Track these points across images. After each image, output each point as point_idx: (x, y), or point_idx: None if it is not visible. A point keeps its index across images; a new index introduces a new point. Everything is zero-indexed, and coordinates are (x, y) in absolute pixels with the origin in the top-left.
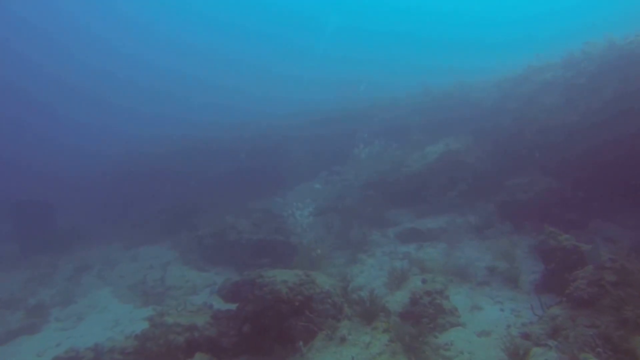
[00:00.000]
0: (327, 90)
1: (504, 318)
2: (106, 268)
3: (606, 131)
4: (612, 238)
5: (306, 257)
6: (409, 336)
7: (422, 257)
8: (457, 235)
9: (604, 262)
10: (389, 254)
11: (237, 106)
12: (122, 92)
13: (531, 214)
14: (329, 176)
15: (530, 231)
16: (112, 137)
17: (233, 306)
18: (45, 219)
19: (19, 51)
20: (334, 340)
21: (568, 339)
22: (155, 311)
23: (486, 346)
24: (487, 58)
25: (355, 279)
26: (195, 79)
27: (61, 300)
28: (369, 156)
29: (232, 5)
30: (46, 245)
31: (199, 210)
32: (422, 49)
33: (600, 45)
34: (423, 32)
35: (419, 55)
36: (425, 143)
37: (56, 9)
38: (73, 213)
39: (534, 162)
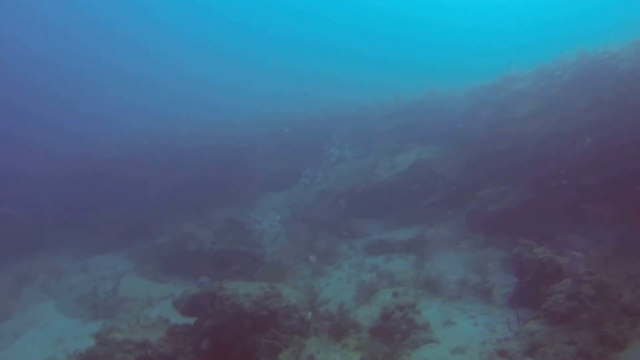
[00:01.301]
0: (293, 101)
1: (478, 333)
2: (52, 279)
3: (579, 142)
4: (581, 250)
5: (270, 268)
6: (382, 355)
7: (392, 270)
8: (428, 247)
9: (581, 276)
10: (356, 265)
11: (197, 113)
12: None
13: (503, 225)
14: (296, 185)
15: (502, 243)
16: (71, 138)
17: (191, 320)
18: None
19: None
20: (301, 359)
21: (547, 356)
22: (104, 326)
23: None
24: (458, 65)
25: (322, 292)
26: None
27: None
28: (337, 165)
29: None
30: None
31: (158, 218)
32: (393, 54)
33: (572, 57)
34: (395, 36)
35: (387, 61)
36: (396, 152)
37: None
38: (19, 216)
39: (506, 172)
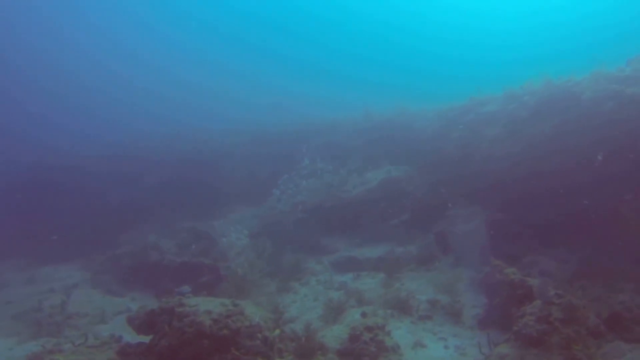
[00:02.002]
0: (264, 112)
1: (448, 356)
2: None
3: (546, 165)
4: (547, 271)
5: (234, 283)
6: None
7: (360, 288)
8: (397, 266)
9: (551, 298)
10: (324, 283)
11: (168, 116)
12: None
13: (471, 245)
14: (264, 198)
15: (471, 263)
16: (23, 144)
17: (147, 339)
18: None
19: None
20: None
21: None
22: (43, 347)
23: None
24: (428, 88)
25: (288, 310)
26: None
27: None
28: (306, 179)
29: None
30: None
31: (119, 227)
32: (364, 74)
33: (538, 84)
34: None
35: (359, 81)
36: (365, 169)
37: None
38: None
39: (475, 193)
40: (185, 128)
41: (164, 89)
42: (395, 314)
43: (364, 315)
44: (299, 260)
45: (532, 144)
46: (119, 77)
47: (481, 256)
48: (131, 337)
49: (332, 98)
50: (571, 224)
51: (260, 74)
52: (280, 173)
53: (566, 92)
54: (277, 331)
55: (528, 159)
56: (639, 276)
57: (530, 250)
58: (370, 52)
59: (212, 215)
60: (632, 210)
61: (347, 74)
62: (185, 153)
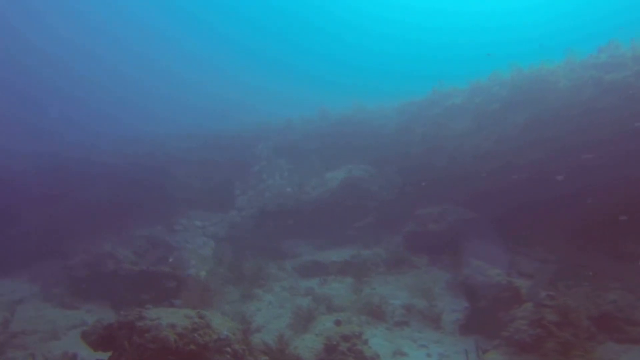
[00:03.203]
0: (206, 115)
1: None
2: None
3: (520, 159)
4: (526, 272)
5: (195, 292)
6: None
7: (328, 293)
8: (365, 270)
9: (542, 300)
10: (288, 289)
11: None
12: None
13: (444, 246)
14: (220, 203)
15: (445, 264)
16: None
17: (105, 356)
18: None
19: None
20: None
21: None
22: None
23: None
24: (384, 86)
25: (253, 318)
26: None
27: None
28: (263, 182)
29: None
30: None
31: (70, 236)
32: (320, 72)
33: (506, 74)
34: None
35: (312, 78)
36: (324, 169)
37: None
38: None
39: (443, 190)
40: (132, 131)
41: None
42: (368, 321)
43: (338, 323)
44: (260, 266)
45: (504, 136)
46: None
47: (456, 257)
48: (87, 353)
49: (286, 94)
50: (548, 221)
51: (214, 63)
52: (236, 177)
53: (540, 81)
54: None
55: (500, 153)
56: (625, 274)
57: (509, 250)
58: (326, 50)
59: (168, 222)
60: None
61: (302, 70)
62: (137, 158)
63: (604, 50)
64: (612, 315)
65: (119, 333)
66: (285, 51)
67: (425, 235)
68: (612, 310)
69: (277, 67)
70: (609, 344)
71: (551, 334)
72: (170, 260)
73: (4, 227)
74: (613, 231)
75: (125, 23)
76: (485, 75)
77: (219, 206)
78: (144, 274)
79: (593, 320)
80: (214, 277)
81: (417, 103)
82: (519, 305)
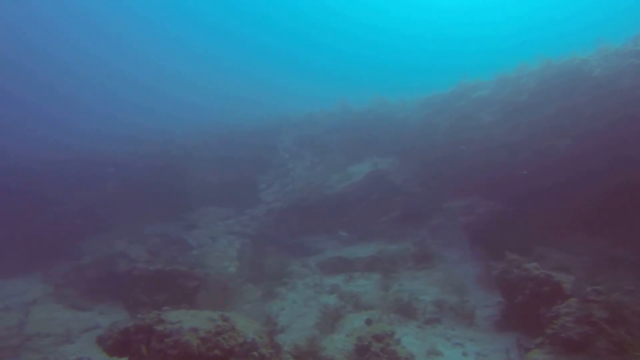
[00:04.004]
0: (234, 108)
1: None
2: None
3: (551, 150)
4: (561, 265)
5: (216, 291)
6: None
7: (355, 291)
8: (392, 265)
9: (587, 294)
10: (313, 286)
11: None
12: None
13: (474, 239)
14: (240, 198)
15: (476, 258)
16: None
17: None
18: None
19: None
20: None
21: None
22: None
23: None
24: (403, 80)
25: (277, 318)
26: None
27: None
28: (285, 176)
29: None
30: None
31: (81, 235)
32: (339, 68)
33: (534, 65)
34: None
35: (332, 74)
36: (347, 163)
37: None
38: None
39: (471, 183)
40: (146, 129)
41: (124, 90)
42: (399, 319)
43: (369, 322)
44: (282, 262)
45: (535, 127)
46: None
47: (487, 251)
48: (101, 358)
49: (304, 91)
50: (582, 213)
51: (232, 63)
52: (255, 172)
53: (573, 71)
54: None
55: (531, 145)
56: None
57: (540, 243)
58: (344, 45)
59: (184, 219)
60: None
61: (320, 67)
62: (150, 155)
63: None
64: None
65: (136, 338)
66: (297, 48)
67: (455, 228)
68: None
69: (289, 64)
70: None
71: (602, 331)
72: (188, 257)
73: (17, 226)
74: None
75: (136, 27)
76: (498, 69)
77: (237, 202)
78: (160, 273)
79: None
80: (233, 275)
81: (441, 96)
82: (562, 301)
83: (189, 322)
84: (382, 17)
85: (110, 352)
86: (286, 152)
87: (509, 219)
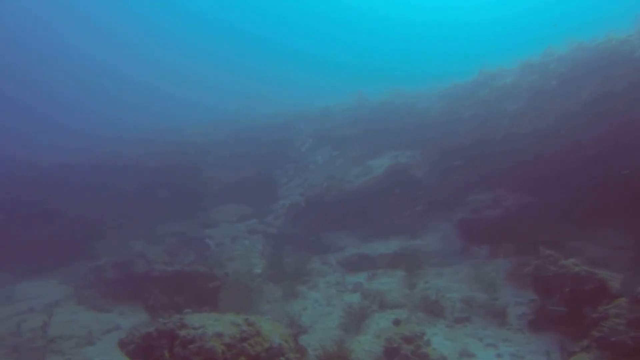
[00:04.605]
0: (248, 104)
1: None
2: None
3: (585, 139)
4: (598, 259)
5: (237, 292)
6: None
7: (379, 289)
8: (416, 261)
9: (637, 294)
10: (335, 285)
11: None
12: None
13: (501, 233)
14: (255, 195)
15: (504, 254)
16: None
17: None
18: None
19: None
20: None
21: None
22: None
23: None
24: (418, 71)
25: (299, 319)
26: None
27: None
28: (303, 171)
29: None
30: None
31: (99, 235)
32: (353, 61)
33: (562, 49)
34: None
35: (346, 67)
36: (366, 157)
37: None
38: None
39: (495, 175)
40: (158, 130)
41: (141, 78)
42: (426, 318)
43: (396, 322)
44: (302, 260)
45: (566, 114)
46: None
47: (516, 246)
48: None
49: (317, 86)
50: (619, 205)
51: (242, 60)
52: (272, 168)
53: (609, 53)
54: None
55: (561, 132)
56: None
57: (573, 236)
58: (354, 38)
59: (201, 218)
60: None
61: (331, 61)
62: (165, 154)
63: None
64: None
65: (158, 343)
66: (307, 43)
67: (480, 222)
68: None
69: (300, 59)
70: None
71: None
72: (207, 256)
73: (36, 227)
74: None
75: (138, 28)
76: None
77: (254, 199)
78: (179, 274)
79: None
80: (253, 275)
81: (462, 85)
82: (609, 301)
83: (212, 326)
84: (393, 7)
85: (132, 357)
86: (303, 147)
87: (538, 212)
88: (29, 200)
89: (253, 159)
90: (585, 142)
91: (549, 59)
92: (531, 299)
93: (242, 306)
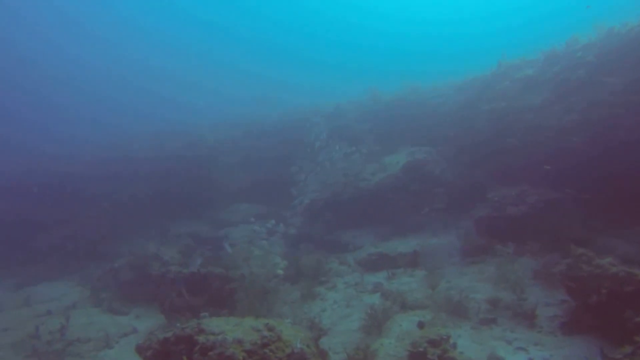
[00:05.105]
0: (257, 104)
1: None
2: None
3: (616, 130)
4: (632, 258)
5: (251, 293)
6: None
7: (399, 289)
8: (436, 260)
9: None
10: (354, 285)
11: (157, 114)
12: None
13: (525, 231)
14: (269, 193)
15: (530, 252)
16: (11, 151)
17: None
18: None
19: None
20: None
21: None
22: None
23: None
24: (436, 66)
25: (319, 321)
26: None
27: None
28: (317, 170)
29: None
30: None
31: (113, 236)
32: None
33: (587, 38)
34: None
35: (353, 68)
36: (381, 153)
37: None
38: None
39: (516, 171)
40: (170, 125)
41: (147, 85)
42: (450, 319)
43: (421, 325)
44: (319, 260)
45: (596, 105)
46: (100, 73)
47: (541, 243)
48: None
49: (322, 87)
50: None
51: (248, 65)
52: (284, 167)
53: None
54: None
55: (590, 124)
56: None
57: (602, 233)
58: (360, 39)
59: (213, 217)
60: None
61: (338, 62)
62: (176, 155)
63: None
64: None
65: (177, 348)
66: (311, 44)
67: (503, 219)
68: None
69: (306, 60)
70: None
71: None
72: (222, 257)
73: (51, 229)
74: None
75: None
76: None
77: (268, 197)
78: (195, 276)
79: None
80: (269, 276)
81: (479, 79)
82: None
83: (232, 332)
84: (397, 5)
85: None
86: (318, 145)
87: (565, 208)
88: (46, 205)
89: (266, 157)
90: (616, 133)
91: (575, 48)
92: (562, 299)
93: (260, 309)
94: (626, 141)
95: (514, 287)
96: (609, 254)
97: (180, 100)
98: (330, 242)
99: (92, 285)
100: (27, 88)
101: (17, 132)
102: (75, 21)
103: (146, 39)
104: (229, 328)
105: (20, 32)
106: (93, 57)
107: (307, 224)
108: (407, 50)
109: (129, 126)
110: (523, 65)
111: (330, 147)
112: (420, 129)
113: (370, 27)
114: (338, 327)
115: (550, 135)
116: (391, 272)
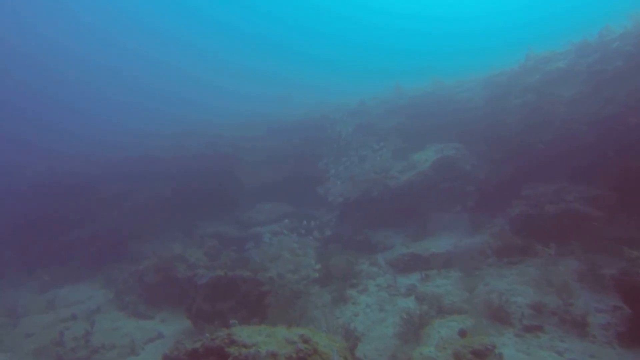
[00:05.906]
0: (279, 102)
1: None
2: (6, 322)
3: None
4: None
5: (281, 298)
6: None
7: (434, 292)
8: (472, 261)
9: None
10: (386, 288)
11: (178, 114)
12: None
13: (565, 231)
14: (294, 192)
15: (574, 253)
16: (33, 153)
17: None
18: None
19: None
20: None
21: None
22: None
23: None
24: (454, 64)
25: (353, 328)
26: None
27: None
28: (341, 168)
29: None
30: None
31: (138, 237)
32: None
33: (622, 27)
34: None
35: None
36: (409, 150)
37: None
38: None
39: (555, 166)
40: (191, 125)
41: (165, 85)
42: (491, 325)
43: (462, 333)
44: (349, 261)
45: (636, 97)
46: (116, 75)
47: (585, 244)
48: None
49: (343, 87)
50: None
51: (268, 67)
52: (309, 165)
53: None
54: None
55: (631, 116)
56: None
57: None
58: (374, 38)
59: (237, 217)
60: None
61: (355, 62)
62: (199, 154)
63: None
64: None
65: None
66: (330, 46)
67: (541, 218)
68: None
69: (320, 62)
70: None
71: None
72: (249, 259)
73: (75, 230)
74: None
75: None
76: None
77: (293, 197)
78: (222, 279)
79: None
80: (299, 278)
81: (507, 73)
82: None
83: (265, 344)
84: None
85: None
86: (343, 142)
87: (608, 206)
88: (68, 205)
89: (291, 155)
90: None
91: (609, 38)
92: (615, 305)
93: (291, 314)
94: None
95: (559, 291)
96: None
97: (201, 100)
98: (359, 242)
99: (116, 288)
100: (44, 91)
101: (37, 135)
102: (93, 26)
103: (168, 43)
104: (261, 339)
105: (39, 38)
106: (112, 61)
107: (335, 223)
108: (425, 49)
109: (152, 127)
110: (553, 57)
111: (356, 144)
112: (447, 124)
113: (385, 26)
114: (372, 333)
115: (586, 129)
116: (424, 274)
